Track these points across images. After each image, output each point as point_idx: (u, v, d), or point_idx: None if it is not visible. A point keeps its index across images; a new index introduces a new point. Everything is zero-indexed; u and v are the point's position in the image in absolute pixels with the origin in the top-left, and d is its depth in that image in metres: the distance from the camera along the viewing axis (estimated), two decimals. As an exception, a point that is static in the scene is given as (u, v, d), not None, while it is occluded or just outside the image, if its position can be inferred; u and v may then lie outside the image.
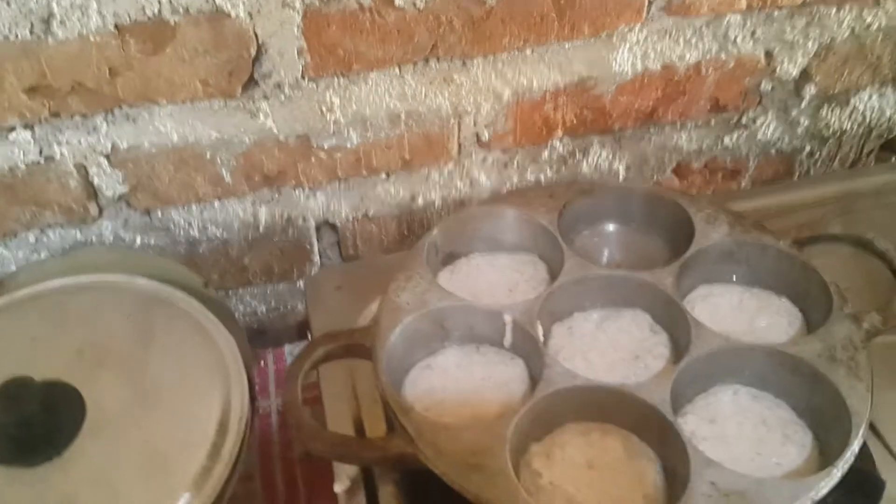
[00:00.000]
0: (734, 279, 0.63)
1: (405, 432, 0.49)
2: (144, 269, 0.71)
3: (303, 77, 0.71)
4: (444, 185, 0.84)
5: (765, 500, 0.45)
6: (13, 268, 0.75)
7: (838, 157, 0.96)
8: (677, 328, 0.57)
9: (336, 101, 0.74)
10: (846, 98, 0.91)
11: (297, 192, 0.80)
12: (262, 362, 0.85)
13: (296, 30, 0.68)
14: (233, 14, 0.66)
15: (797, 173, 0.97)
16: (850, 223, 0.81)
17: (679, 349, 0.56)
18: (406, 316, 0.55)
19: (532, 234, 0.65)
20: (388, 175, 0.82)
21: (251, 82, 0.70)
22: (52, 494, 0.52)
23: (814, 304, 0.58)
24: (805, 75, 0.86)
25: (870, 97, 0.91)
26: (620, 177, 0.91)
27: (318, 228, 0.84)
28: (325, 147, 0.77)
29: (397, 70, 0.74)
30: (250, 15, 0.67)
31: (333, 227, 0.85)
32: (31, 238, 0.75)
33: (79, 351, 0.61)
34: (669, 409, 0.50)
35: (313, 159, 0.78)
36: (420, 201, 0.85)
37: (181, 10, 0.64)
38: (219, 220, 0.80)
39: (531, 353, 0.56)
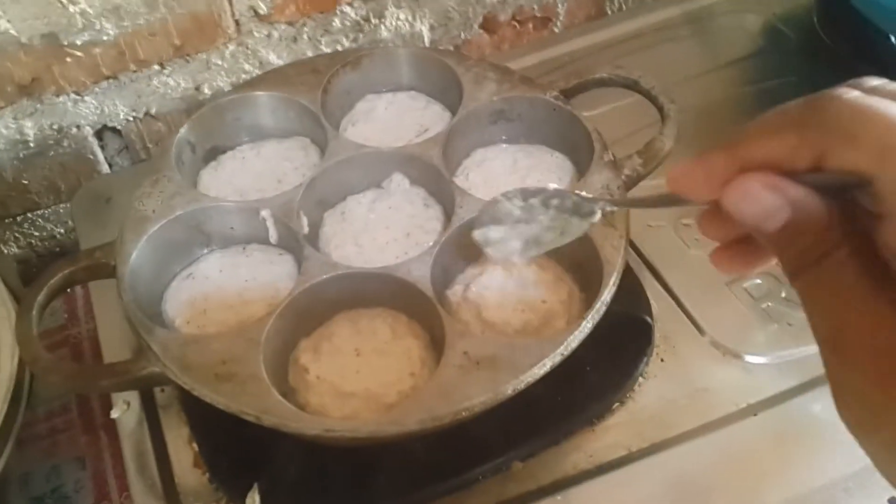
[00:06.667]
0: (507, 139, 0.60)
1: (152, 351, 0.46)
2: None
3: (26, -34, 0.63)
4: (231, 70, 0.78)
5: (513, 361, 0.45)
6: None
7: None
8: (447, 199, 0.55)
9: (75, -10, 0.66)
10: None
11: (60, 98, 0.72)
12: (69, 289, 0.79)
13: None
14: None
15: (609, 13, 0.94)
16: (638, 61, 0.81)
17: (450, 220, 0.55)
18: (152, 226, 0.51)
19: (296, 116, 0.60)
20: (161, 66, 0.75)
21: (-32, -21, 0.62)
22: None
23: (582, 155, 0.57)
24: None
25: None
26: (426, 39, 0.86)
27: (99, 135, 0.77)
28: (79, 44, 0.69)
29: (135, -56, 0.66)
30: None
31: (117, 131, 0.78)
32: None
33: None
34: (428, 285, 0.49)
35: (69, 59, 0.70)
36: (207, 90, 0.78)
37: None
38: (-21, 142, 0.72)
39: (297, 246, 0.53)
